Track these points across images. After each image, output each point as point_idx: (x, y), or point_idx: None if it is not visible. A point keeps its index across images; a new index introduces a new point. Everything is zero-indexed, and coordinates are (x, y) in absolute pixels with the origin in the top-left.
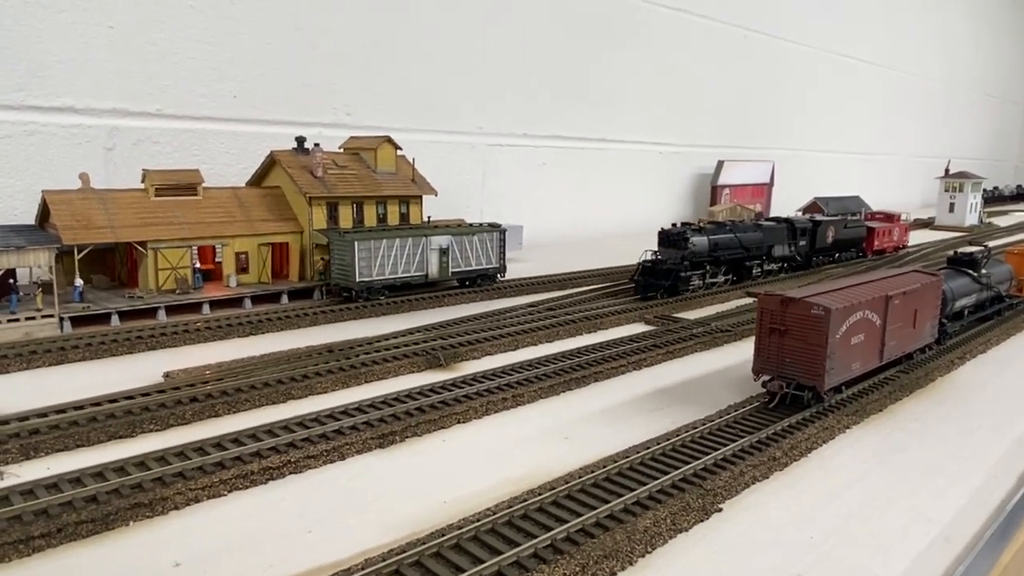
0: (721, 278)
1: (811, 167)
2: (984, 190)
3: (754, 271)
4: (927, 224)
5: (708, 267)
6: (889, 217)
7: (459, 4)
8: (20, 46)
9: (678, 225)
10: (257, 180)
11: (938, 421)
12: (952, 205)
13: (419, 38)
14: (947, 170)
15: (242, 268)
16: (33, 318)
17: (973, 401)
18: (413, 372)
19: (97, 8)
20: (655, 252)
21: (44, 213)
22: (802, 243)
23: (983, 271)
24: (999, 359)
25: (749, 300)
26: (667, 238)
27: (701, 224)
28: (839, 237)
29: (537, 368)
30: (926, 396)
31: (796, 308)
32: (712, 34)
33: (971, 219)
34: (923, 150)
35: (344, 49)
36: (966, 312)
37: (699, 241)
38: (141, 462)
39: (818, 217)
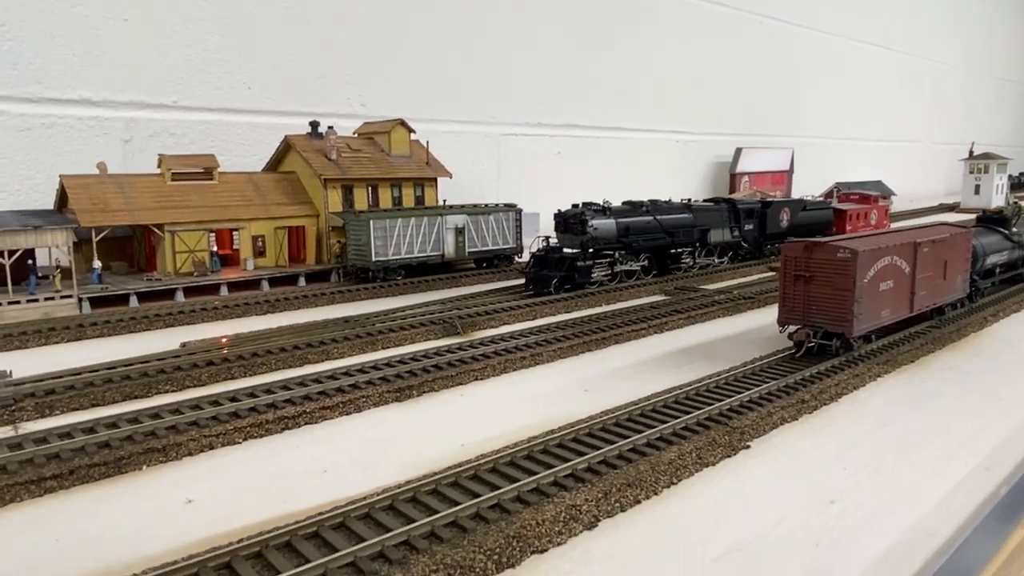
0: (636, 265)
1: (832, 154)
2: (1010, 176)
3: (683, 260)
4: (952, 208)
5: (618, 255)
6: (865, 198)
7: None
8: (37, 40)
9: (579, 206)
10: (273, 166)
11: (972, 370)
12: (977, 187)
13: (433, 28)
14: (971, 152)
15: (259, 252)
16: (52, 299)
17: (1008, 354)
18: (430, 339)
19: (112, 2)
20: (547, 239)
21: (62, 198)
22: (748, 227)
23: (1014, 229)
24: None
25: (772, 273)
26: (563, 221)
27: (607, 204)
28: (797, 221)
29: (556, 331)
30: (959, 349)
31: (822, 252)
32: (728, 22)
33: (997, 201)
34: (946, 137)
35: (358, 39)
36: (997, 270)
37: (603, 224)
38: (155, 413)
39: (769, 198)
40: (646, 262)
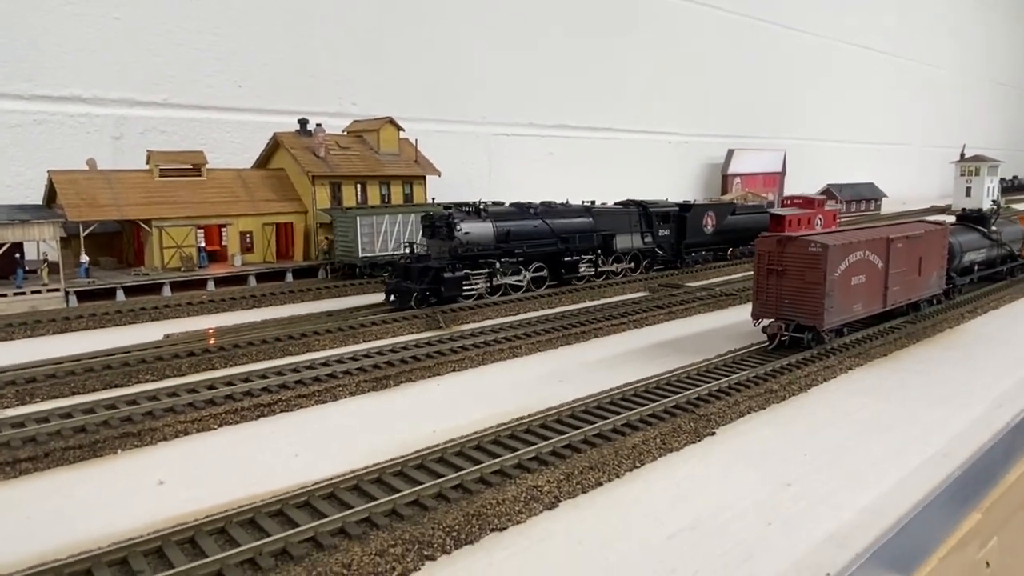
0: (517, 277)
1: (824, 156)
2: (1003, 179)
3: (581, 269)
4: (944, 210)
5: (498, 265)
6: (809, 202)
7: None
8: (28, 37)
9: (450, 207)
10: (262, 163)
11: (944, 364)
12: (969, 189)
13: (424, 27)
14: (962, 154)
15: (247, 248)
16: (39, 292)
17: (981, 348)
18: (412, 333)
19: (103, 0)
20: (411, 245)
21: (51, 194)
22: (664, 233)
23: (993, 228)
24: (1011, 314)
25: None
26: (430, 225)
27: (483, 206)
28: (724, 227)
29: (536, 325)
30: (933, 344)
31: (794, 247)
32: (719, 23)
33: (988, 203)
34: (939, 139)
35: (349, 38)
36: (975, 267)
37: (476, 228)
38: (132, 400)
39: (692, 201)
40: (536, 272)
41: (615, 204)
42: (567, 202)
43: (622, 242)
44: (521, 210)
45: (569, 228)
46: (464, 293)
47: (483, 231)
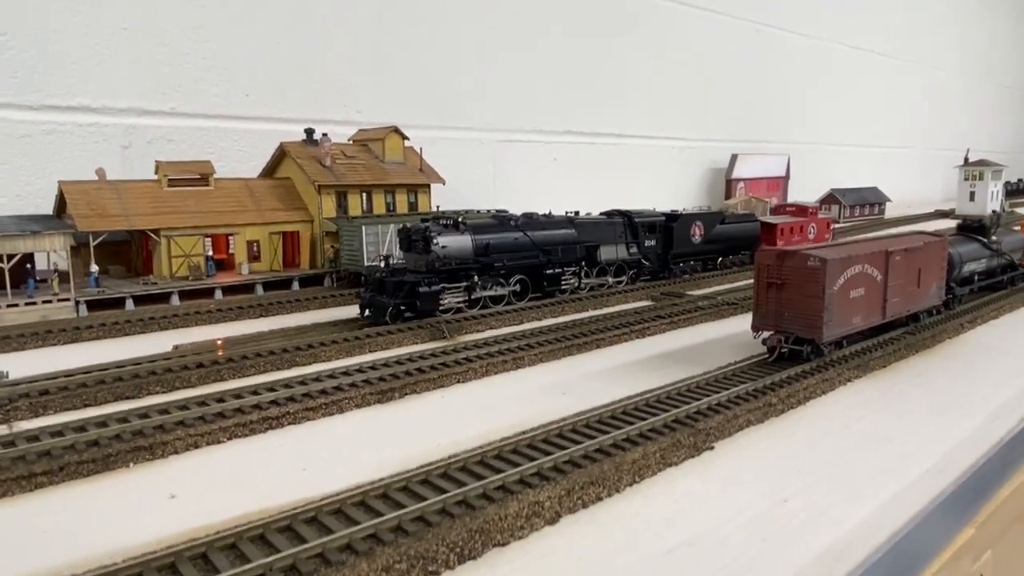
0: (502, 289)
1: (828, 160)
2: (1008, 183)
3: (564, 282)
4: (947, 214)
5: (477, 278)
6: (802, 210)
7: (469, 0)
8: (37, 47)
9: (428, 220)
10: (268, 172)
11: (943, 375)
12: (972, 194)
13: (429, 35)
14: (966, 158)
15: (254, 256)
16: (50, 301)
17: (981, 358)
18: (417, 343)
19: (111, 10)
20: (386, 258)
21: (61, 204)
22: (650, 243)
23: (993, 238)
24: (1011, 324)
25: None
26: (406, 238)
27: (461, 218)
28: (713, 236)
29: (540, 336)
30: (932, 355)
31: (793, 260)
32: (723, 29)
33: (991, 207)
34: (944, 143)
35: (354, 47)
36: (976, 278)
37: (453, 242)
38: (144, 413)
39: (679, 211)
40: (517, 285)
41: (600, 214)
42: (549, 213)
43: (607, 253)
44: (501, 222)
45: (551, 240)
46: (441, 308)
47: (461, 244)
